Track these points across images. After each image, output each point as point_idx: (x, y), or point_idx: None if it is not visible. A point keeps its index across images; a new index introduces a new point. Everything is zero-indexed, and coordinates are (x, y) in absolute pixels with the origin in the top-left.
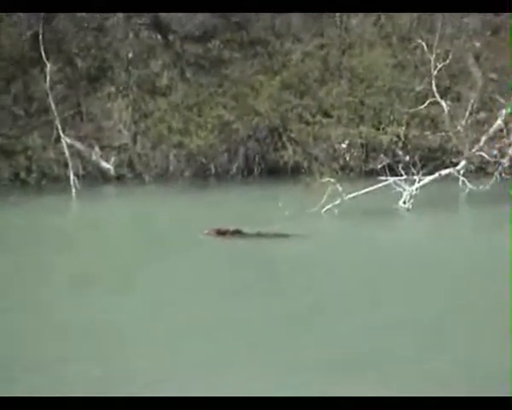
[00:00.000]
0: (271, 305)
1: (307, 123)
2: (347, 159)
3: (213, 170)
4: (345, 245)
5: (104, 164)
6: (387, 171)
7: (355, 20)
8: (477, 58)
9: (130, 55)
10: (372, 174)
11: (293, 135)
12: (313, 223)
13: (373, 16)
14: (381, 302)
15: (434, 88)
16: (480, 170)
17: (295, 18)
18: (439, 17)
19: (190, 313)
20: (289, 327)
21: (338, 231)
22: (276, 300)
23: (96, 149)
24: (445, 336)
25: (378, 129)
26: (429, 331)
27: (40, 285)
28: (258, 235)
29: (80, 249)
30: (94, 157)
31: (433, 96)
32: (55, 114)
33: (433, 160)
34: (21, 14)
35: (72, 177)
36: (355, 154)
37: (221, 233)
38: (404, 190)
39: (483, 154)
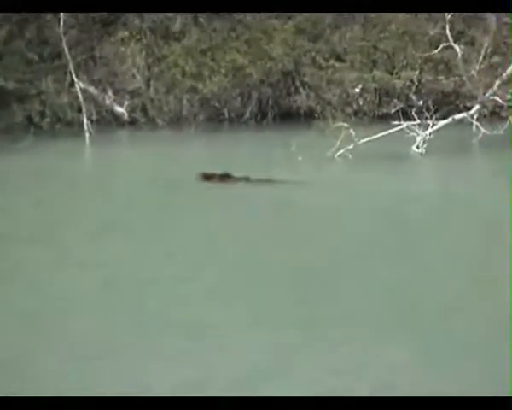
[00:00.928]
0: (276, 256)
1: (320, 67)
2: (361, 103)
3: (227, 115)
4: (356, 190)
5: (118, 108)
6: (401, 115)
7: None
8: None
9: None
10: (385, 119)
11: (306, 79)
12: (326, 167)
13: None
14: (393, 256)
15: (448, 32)
16: (493, 114)
17: None
18: None
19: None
20: (297, 283)
21: (349, 176)
22: (280, 252)
23: (110, 93)
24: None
25: (391, 73)
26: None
27: (52, 228)
28: (248, 180)
29: (92, 194)
30: (107, 102)
31: (447, 41)
32: (69, 58)
33: (446, 104)
34: None
35: (85, 121)
36: (368, 98)
37: (207, 177)
38: (418, 134)
39: (497, 98)
